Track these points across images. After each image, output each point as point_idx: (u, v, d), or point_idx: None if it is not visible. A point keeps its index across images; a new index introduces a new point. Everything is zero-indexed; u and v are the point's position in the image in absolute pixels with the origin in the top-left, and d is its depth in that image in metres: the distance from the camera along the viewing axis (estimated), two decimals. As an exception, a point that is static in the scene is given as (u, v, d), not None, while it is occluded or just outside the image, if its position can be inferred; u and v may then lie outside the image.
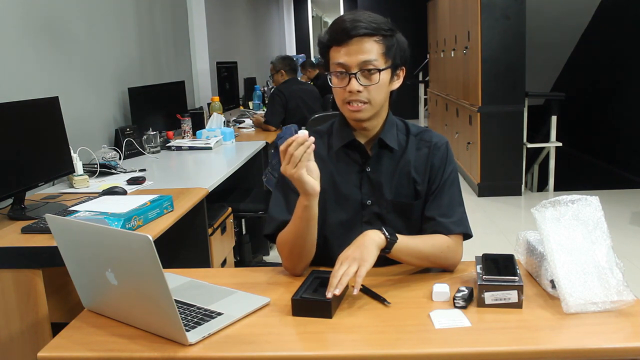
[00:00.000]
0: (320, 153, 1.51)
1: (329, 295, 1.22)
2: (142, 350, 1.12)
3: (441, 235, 1.44)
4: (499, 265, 1.29)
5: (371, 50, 1.38)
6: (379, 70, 1.39)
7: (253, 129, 4.40)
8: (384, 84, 1.41)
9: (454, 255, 1.43)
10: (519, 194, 5.25)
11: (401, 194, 1.48)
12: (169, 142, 3.49)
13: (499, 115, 5.13)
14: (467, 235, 1.47)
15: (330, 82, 1.44)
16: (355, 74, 1.38)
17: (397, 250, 1.35)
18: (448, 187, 1.48)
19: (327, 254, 1.48)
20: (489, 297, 1.23)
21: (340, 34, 1.38)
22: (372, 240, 1.32)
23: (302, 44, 13.48)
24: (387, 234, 1.34)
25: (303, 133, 1.28)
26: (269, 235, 1.51)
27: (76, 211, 1.90)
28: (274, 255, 3.84)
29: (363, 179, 1.49)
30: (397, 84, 1.47)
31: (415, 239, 1.41)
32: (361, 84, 1.38)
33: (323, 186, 1.38)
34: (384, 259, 1.41)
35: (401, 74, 1.47)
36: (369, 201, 1.48)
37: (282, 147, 1.29)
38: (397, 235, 1.36)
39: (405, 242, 1.37)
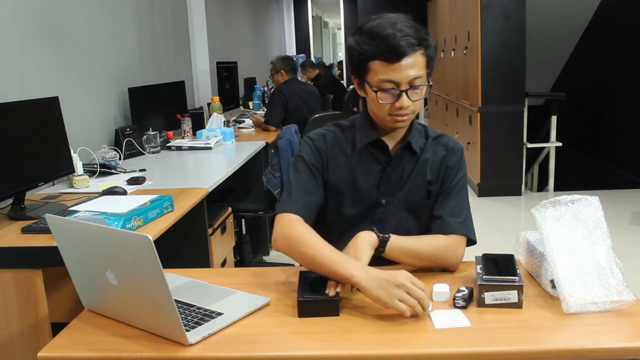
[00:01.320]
0: (343, 147, 1.53)
1: (331, 293, 1.23)
2: (142, 350, 1.12)
3: (440, 236, 1.44)
4: (499, 265, 1.29)
5: (418, 65, 1.38)
6: (428, 86, 1.41)
7: (253, 129, 4.40)
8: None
9: (452, 255, 1.43)
10: (519, 194, 5.25)
11: (414, 194, 1.51)
12: (169, 142, 3.49)
13: (499, 115, 5.13)
14: (471, 241, 1.48)
15: (374, 95, 1.40)
16: (406, 91, 1.38)
17: (391, 249, 1.36)
18: (457, 191, 1.50)
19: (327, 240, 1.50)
20: (489, 297, 1.23)
21: (392, 51, 1.35)
22: (364, 240, 1.34)
23: (302, 44, 13.48)
24: (378, 233, 1.35)
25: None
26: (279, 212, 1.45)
27: (76, 211, 1.90)
28: (274, 255, 3.84)
29: (383, 178, 1.50)
30: None
31: (411, 239, 1.42)
32: (411, 99, 1.39)
33: (341, 180, 1.44)
34: (385, 260, 1.41)
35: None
36: (384, 200, 1.50)
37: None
38: (391, 234, 1.37)
39: (400, 241, 1.38)
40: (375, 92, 1.40)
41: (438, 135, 1.57)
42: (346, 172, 1.49)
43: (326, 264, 1.28)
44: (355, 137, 1.53)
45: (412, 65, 1.37)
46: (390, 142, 1.51)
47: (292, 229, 1.39)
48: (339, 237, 1.49)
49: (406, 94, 1.38)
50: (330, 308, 1.22)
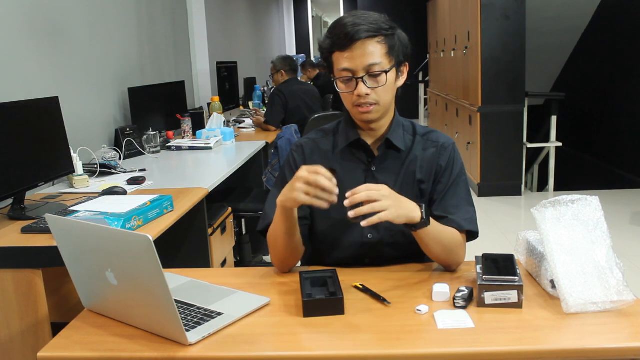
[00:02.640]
0: (326, 151, 1.53)
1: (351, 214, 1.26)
2: (142, 350, 1.12)
3: (456, 230, 1.44)
4: (499, 265, 1.29)
5: (375, 52, 1.37)
6: (386, 72, 1.39)
7: (253, 129, 4.40)
8: (391, 83, 1.42)
9: (463, 252, 1.44)
10: (519, 194, 5.25)
11: (405, 193, 1.48)
12: (169, 142, 3.49)
13: (499, 115, 5.14)
14: (474, 235, 1.47)
15: (337, 87, 1.43)
16: (362, 77, 1.38)
17: (426, 234, 1.35)
18: (455, 188, 1.48)
19: (323, 248, 1.50)
20: (489, 297, 1.23)
21: (342, 39, 1.37)
22: (414, 208, 1.32)
23: (302, 44, 13.48)
24: (424, 214, 1.32)
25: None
26: (262, 232, 1.52)
27: (76, 211, 1.90)
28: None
29: (368, 178, 1.49)
30: (402, 80, 1.47)
31: (441, 225, 1.41)
32: (369, 87, 1.39)
33: None
34: (388, 258, 1.40)
35: (405, 69, 1.48)
36: None
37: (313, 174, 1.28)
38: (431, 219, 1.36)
39: (434, 228, 1.36)
40: (336, 82, 1.42)
41: (427, 131, 1.55)
42: None
43: (276, 221, 1.40)
44: (337, 140, 1.53)
45: (367, 53, 1.37)
46: (372, 141, 1.50)
47: (269, 246, 1.47)
48: (331, 245, 1.50)
49: (362, 81, 1.38)
50: (336, 307, 1.22)
